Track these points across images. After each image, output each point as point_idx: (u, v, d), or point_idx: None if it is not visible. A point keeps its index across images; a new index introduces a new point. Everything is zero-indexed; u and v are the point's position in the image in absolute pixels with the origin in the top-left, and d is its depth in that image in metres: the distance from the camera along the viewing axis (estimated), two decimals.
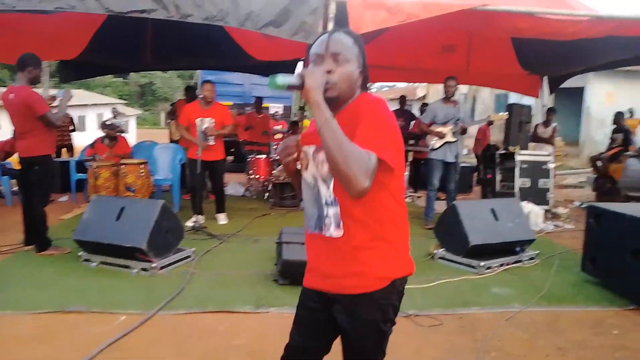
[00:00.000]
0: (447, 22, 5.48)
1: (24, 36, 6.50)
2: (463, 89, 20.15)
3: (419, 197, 8.45)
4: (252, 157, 8.13)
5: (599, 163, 8.86)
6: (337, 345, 1.81)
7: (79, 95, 23.34)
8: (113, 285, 4.01)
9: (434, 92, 22.33)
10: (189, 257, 4.70)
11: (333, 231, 1.63)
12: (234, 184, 8.78)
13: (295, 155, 1.65)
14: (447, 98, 6.31)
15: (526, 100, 11.04)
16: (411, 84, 21.93)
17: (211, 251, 5.05)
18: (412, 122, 8.98)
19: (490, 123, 8.46)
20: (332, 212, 1.63)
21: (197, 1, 4.76)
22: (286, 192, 7.53)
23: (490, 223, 4.73)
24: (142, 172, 6.28)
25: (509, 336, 3.31)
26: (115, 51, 8.08)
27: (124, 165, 6.21)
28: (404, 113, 9.46)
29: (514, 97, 14.32)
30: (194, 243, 5.13)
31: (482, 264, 4.49)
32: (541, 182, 7.22)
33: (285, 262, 3.93)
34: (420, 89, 23.77)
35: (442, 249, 4.89)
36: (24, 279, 4.14)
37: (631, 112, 10.52)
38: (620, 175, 8.04)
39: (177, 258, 4.56)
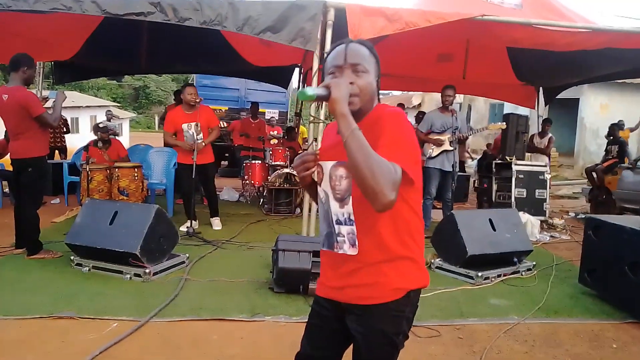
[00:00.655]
0: (445, 31, 5.48)
1: (18, 36, 6.43)
2: (458, 98, 20.23)
3: None
4: (247, 163, 8.08)
5: (595, 174, 8.88)
6: (347, 355, 1.77)
7: (73, 97, 23.23)
8: (105, 291, 3.93)
9: (429, 100, 22.42)
10: (182, 263, 4.63)
11: (347, 249, 1.61)
12: (228, 190, 8.71)
13: (312, 169, 1.64)
14: (445, 107, 6.30)
15: (521, 110, 11.09)
16: (406, 92, 22.04)
17: (205, 257, 4.98)
18: None
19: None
20: (345, 230, 1.61)
21: (195, 5, 4.74)
22: (281, 198, 7.48)
23: (488, 233, 4.70)
24: (136, 176, 6.21)
25: (508, 349, 3.27)
26: (111, 54, 8.01)
27: (117, 169, 6.14)
28: None
29: (509, 107, 14.40)
30: (188, 249, 5.07)
31: (479, 274, 4.46)
32: (537, 193, 7.21)
33: (281, 270, 3.87)
34: (416, 97, 23.86)
35: (439, 259, 4.85)
36: (14, 283, 4.05)
37: (621, 124, 10.57)
38: (616, 187, 8.06)
39: (170, 264, 4.49)
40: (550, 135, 9.29)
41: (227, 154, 12.38)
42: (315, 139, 5.07)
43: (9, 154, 4.85)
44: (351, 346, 1.73)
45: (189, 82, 13.61)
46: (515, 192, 7.14)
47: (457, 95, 6.68)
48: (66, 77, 9.22)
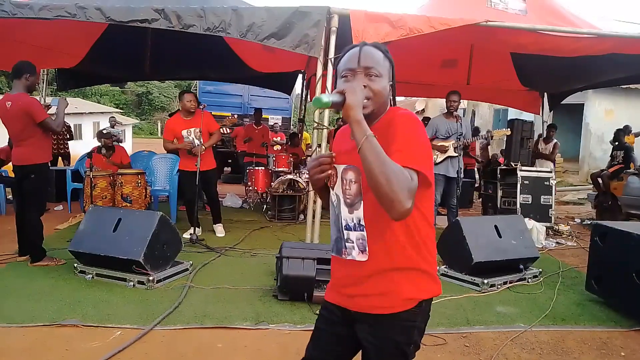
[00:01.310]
0: (449, 36, 5.48)
1: (23, 43, 6.46)
2: (462, 103, 20.23)
3: None
4: (250, 169, 8.07)
5: (600, 180, 8.83)
6: None
7: (76, 103, 23.33)
8: (109, 299, 3.91)
9: (433, 106, 22.43)
10: (186, 270, 4.61)
11: (356, 256, 1.59)
12: (231, 196, 8.70)
13: (328, 172, 1.59)
14: (450, 113, 6.28)
15: (525, 116, 11.07)
16: (409, 97, 22.04)
17: (209, 264, 4.96)
18: None
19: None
20: (354, 236, 1.58)
21: (199, 12, 4.74)
22: (285, 205, 7.46)
23: (494, 240, 4.66)
24: (139, 183, 6.21)
25: (515, 357, 3.23)
26: (115, 61, 8.04)
27: (120, 176, 6.14)
28: None
29: (513, 113, 14.37)
30: (191, 256, 5.05)
31: (485, 281, 4.42)
32: (543, 199, 7.18)
33: (285, 277, 3.85)
34: (419, 103, 23.86)
35: (444, 266, 4.82)
36: (17, 290, 4.04)
37: (628, 129, 10.54)
38: (621, 193, 8.01)
39: (174, 271, 4.47)
40: (555, 140, 9.26)
41: (230, 160, 12.38)
42: (319, 145, 5.06)
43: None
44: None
45: (190, 89, 13.64)
46: (520, 198, 7.10)
47: (461, 101, 6.67)
48: (70, 83, 9.26)
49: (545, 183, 7.24)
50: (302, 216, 7.26)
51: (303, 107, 11.00)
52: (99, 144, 6.99)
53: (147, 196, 6.47)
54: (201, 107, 5.94)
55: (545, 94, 9.26)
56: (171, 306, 3.74)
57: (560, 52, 6.14)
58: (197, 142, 5.84)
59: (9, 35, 6.10)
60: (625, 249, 3.92)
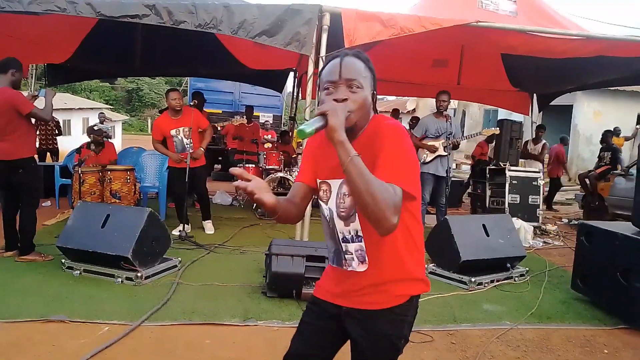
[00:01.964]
0: (440, 36, 5.50)
1: (12, 38, 6.39)
2: (453, 103, 20.34)
3: None
4: (240, 166, 8.06)
5: (588, 181, 8.93)
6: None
7: (65, 99, 23.12)
8: (96, 295, 3.89)
9: (424, 105, 22.51)
10: (175, 267, 4.61)
11: (356, 267, 1.62)
12: (221, 193, 8.69)
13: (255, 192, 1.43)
14: (439, 112, 6.32)
15: (515, 116, 11.15)
16: (400, 97, 22.11)
17: (198, 261, 4.96)
18: None
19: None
20: (353, 248, 1.62)
21: (190, 8, 4.72)
22: None
23: (482, 239, 4.71)
24: (128, 179, 6.18)
25: (501, 354, 3.27)
26: (105, 56, 7.98)
27: (109, 172, 6.10)
28: None
29: (503, 113, 14.47)
30: (180, 253, 5.03)
31: (473, 279, 4.46)
32: (531, 199, 7.24)
33: (274, 274, 3.86)
34: (410, 102, 23.93)
35: (432, 264, 4.85)
36: (4, 286, 4.00)
37: (617, 131, 10.67)
38: (608, 193, 8.11)
39: (162, 268, 4.46)
40: (544, 141, 9.35)
41: (220, 158, 12.35)
42: None
43: None
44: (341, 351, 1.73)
45: (180, 86, 13.56)
46: (508, 197, 7.16)
47: (452, 100, 6.71)
48: (59, 79, 9.16)
49: (533, 183, 7.31)
50: None
51: (294, 105, 10.99)
52: (89, 139, 6.95)
53: (136, 192, 6.44)
54: (191, 104, 5.92)
55: (535, 95, 9.34)
56: (160, 302, 3.74)
57: (549, 54, 6.20)
58: (186, 140, 5.82)
59: None
60: (611, 248, 3.98)
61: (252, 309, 3.76)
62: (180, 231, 5.74)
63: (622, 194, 7.72)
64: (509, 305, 4.15)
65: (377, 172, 1.41)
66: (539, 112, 10.00)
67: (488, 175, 7.63)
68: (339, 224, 1.63)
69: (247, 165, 7.99)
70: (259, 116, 12.72)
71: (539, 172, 7.60)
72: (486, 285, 4.55)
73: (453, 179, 7.89)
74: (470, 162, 10.05)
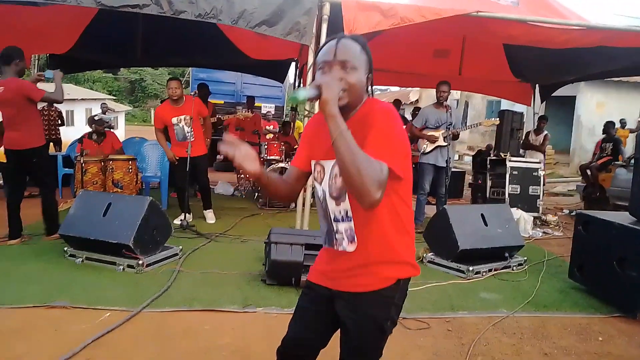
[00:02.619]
0: (441, 27, 5.50)
1: (14, 29, 6.40)
2: (455, 94, 20.28)
3: None
4: None
5: (589, 172, 8.93)
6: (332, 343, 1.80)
7: (68, 89, 23.08)
8: (98, 282, 3.95)
9: (427, 96, 22.44)
10: (176, 255, 4.66)
11: (346, 246, 1.66)
12: (223, 184, 8.73)
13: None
14: (440, 103, 6.32)
15: (517, 107, 11.13)
16: (404, 88, 22.04)
17: (198, 250, 5.01)
18: (404, 126, 8.99)
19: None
20: (342, 227, 1.65)
21: None
22: None
23: (480, 228, 4.73)
24: (130, 169, 6.22)
25: (496, 341, 3.31)
26: (107, 46, 8.00)
27: (112, 161, 6.14)
28: None
29: (506, 104, 14.44)
30: (181, 241, 5.09)
31: (471, 268, 4.50)
32: (531, 189, 7.25)
33: (273, 262, 3.90)
34: (413, 93, 23.85)
35: (431, 253, 4.89)
36: (7, 273, 4.07)
37: (623, 122, 10.64)
38: (609, 184, 8.11)
39: (163, 256, 4.52)
40: (545, 132, 9.34)
41: None
42: None
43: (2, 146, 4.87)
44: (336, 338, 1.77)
45: (183, 76, 13.58)
46: (509, 188, 7.18)
47: (454, 91, 6.72)
48: (61, 69, 9.16)
49: (533, 174, 7.31)
50: (292, 204, 7.29)
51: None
52: (90, 129, 6.98)
53: (138, 182, 6.48)
54: (192, 93, 5.94)
55: (537, 85, 9.32)
56: (160, 290, 3.79)
57: (550, 44, 6.18)
58: (187, 129, 5.86)
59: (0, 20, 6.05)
60: (607, 237, 4.01)
61: (252, 296, 3.81)
62: (181, 220, 5.78)
63: (623, 185, 7.71)
64: (506, 294, 4.18)
65: (366, 149, 1.43)
66: (542, 102, 9.97)
67: (489, 166, 7.64)
68: (331, 204, 1.67)
69: None
70: (260, 107, 12.72)
71: (539, 162, 7.60)
72: (484, 274, 4.59)
73: (454, 169, 7.91)
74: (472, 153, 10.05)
